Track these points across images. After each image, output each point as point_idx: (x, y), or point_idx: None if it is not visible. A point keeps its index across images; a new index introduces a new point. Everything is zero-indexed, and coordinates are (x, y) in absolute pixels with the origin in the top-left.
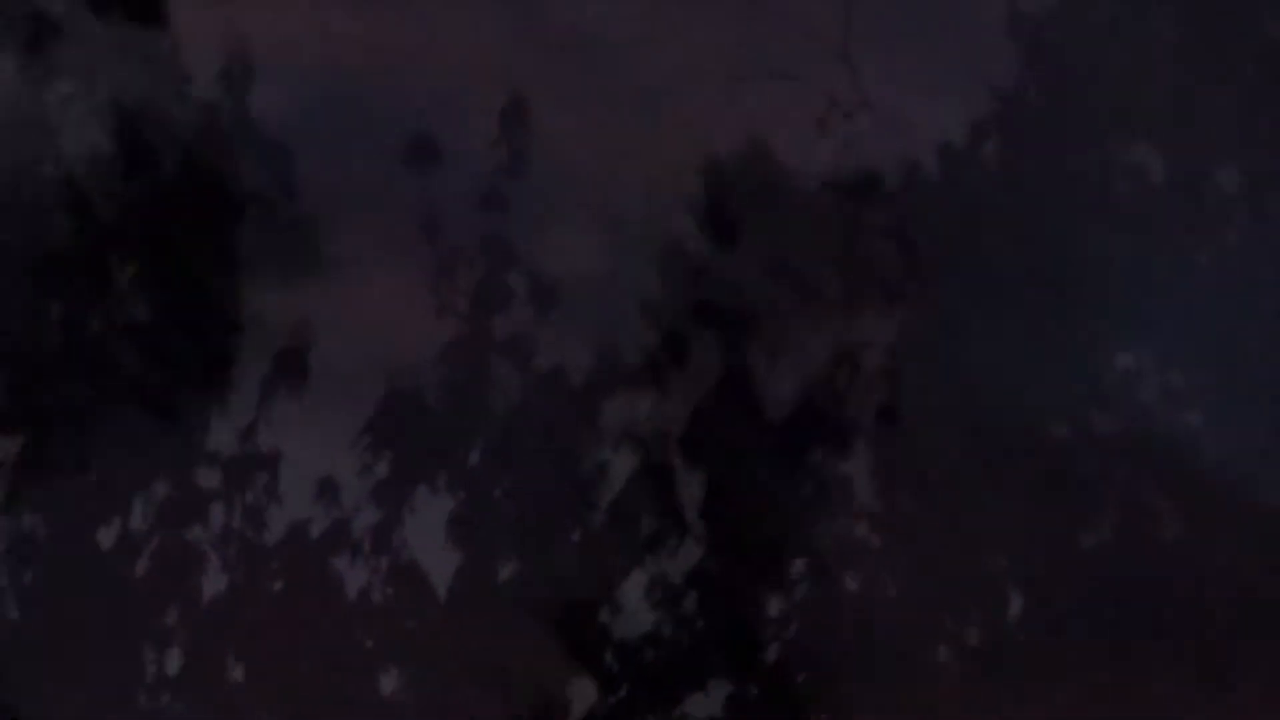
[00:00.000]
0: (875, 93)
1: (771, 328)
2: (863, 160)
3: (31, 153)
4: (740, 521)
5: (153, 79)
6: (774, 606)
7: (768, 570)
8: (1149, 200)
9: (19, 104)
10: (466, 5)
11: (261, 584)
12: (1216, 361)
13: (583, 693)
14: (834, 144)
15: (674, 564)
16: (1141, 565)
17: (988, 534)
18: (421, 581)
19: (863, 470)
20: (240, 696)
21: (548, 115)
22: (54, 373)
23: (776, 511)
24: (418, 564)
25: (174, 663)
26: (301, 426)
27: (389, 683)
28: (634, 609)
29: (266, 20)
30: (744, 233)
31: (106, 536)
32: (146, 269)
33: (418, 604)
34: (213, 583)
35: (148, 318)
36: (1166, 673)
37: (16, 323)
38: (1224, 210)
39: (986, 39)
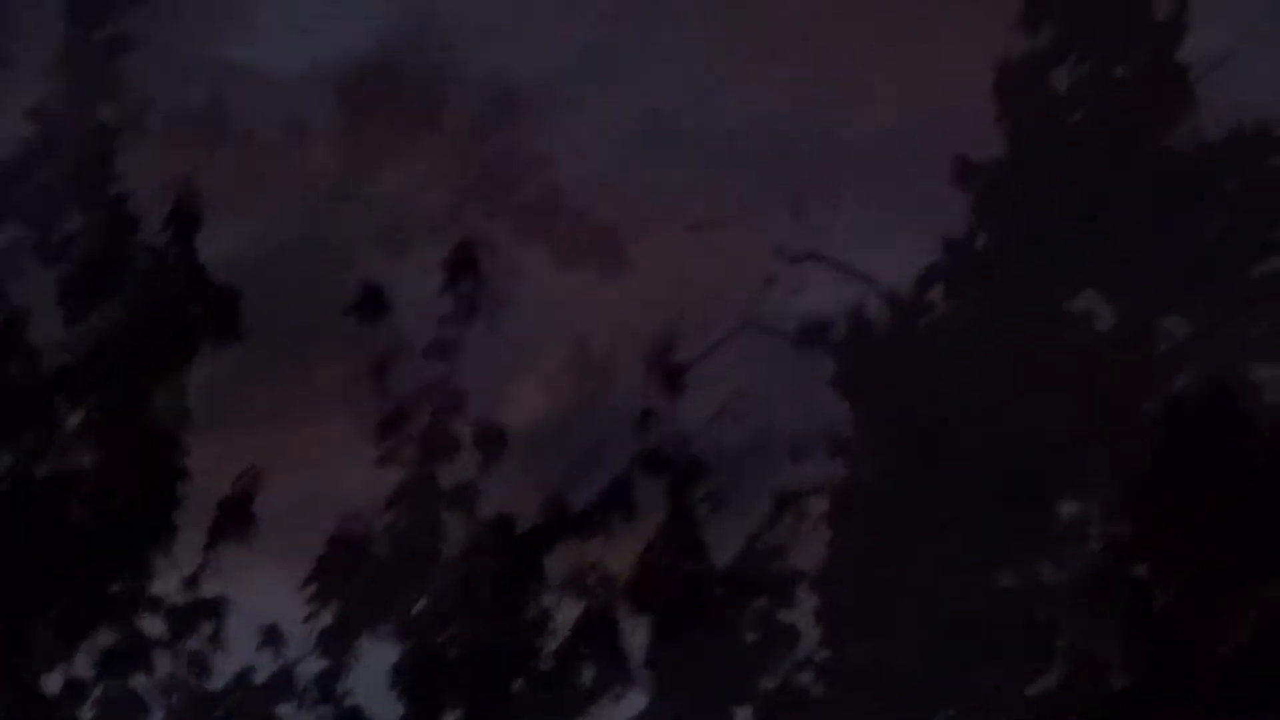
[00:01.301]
0: (824, 242)
1: (717, 476)
2: (811, 308)
3: None
4: (685, 670)
5: (103, 224)
6: None
7: (713, 719)
8: (1097, 347)
9: None
10: (421, 152)
11: None
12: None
13: None
14: (783, 292)
15: (619, 712)
16: (1088, 716)
17: (935, 683)
18: None
19: (808, 618)
20: None
21: (499, 263)
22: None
23: (722, 660)
24: (362, 712)
25: None
26: (247, 574)
27: None
28: None
29: (216, 166)
30: (691, 382)
31: (52, 683)
32: (94, 415)
33: None
34: None
35: (94, 464)
36: None
37: None
38: (1172, 358)
39: (936, 189)
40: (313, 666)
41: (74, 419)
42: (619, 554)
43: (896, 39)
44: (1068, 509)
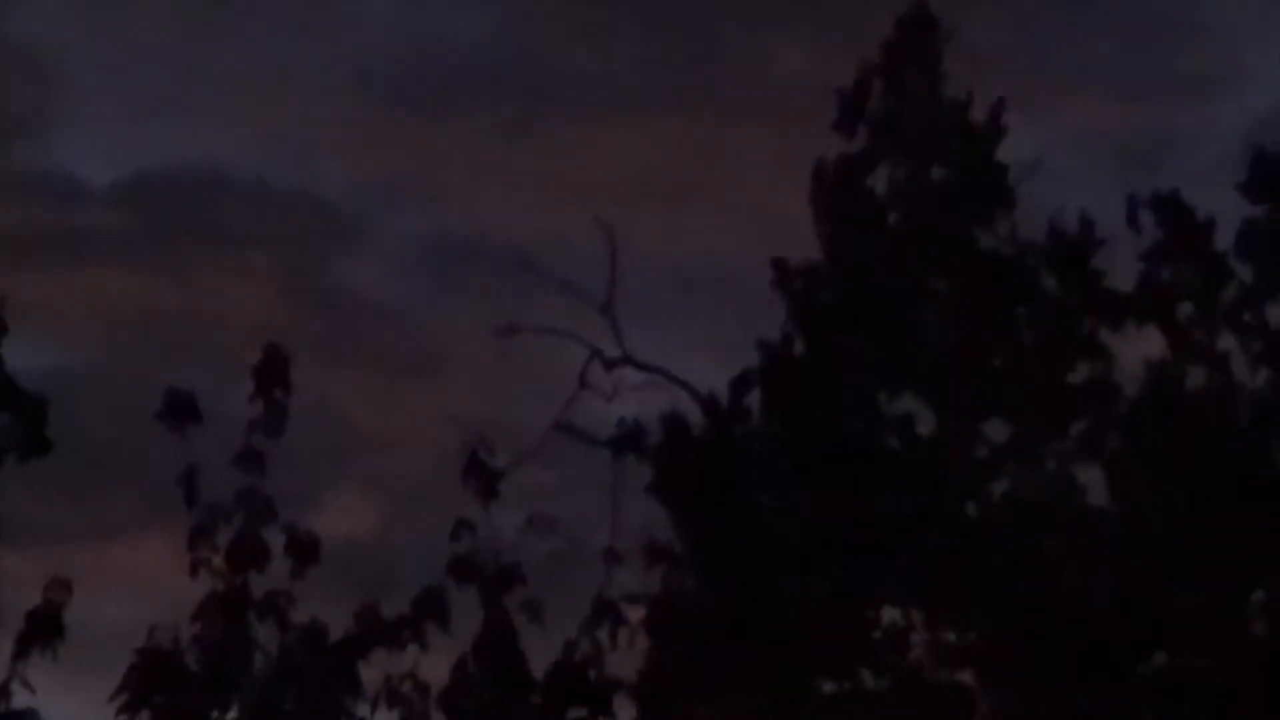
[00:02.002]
0: (638, 346)
1: (532, 584)
2: (626, 413)
3: None
4: None
5: None
6: None
7: None
8: (918, 451)
9: None
10: (236, 267)
11: None
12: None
13: None
14: (596, 396)
15: None
16: None
17: None
18: None
19: None
20: None
21: (309, 372)
22: None
23: None
24: None
25: None
26: (56, 685)
27: None
28: None
29: (25, 276)
30: (504, 489)
31: None
32: None
33: None
34: None
35: None
36: None
37: None
38: (993, 462)
39: (752, 294)
40: None
41: None
42: (433, 663)
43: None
44: (889, 614)
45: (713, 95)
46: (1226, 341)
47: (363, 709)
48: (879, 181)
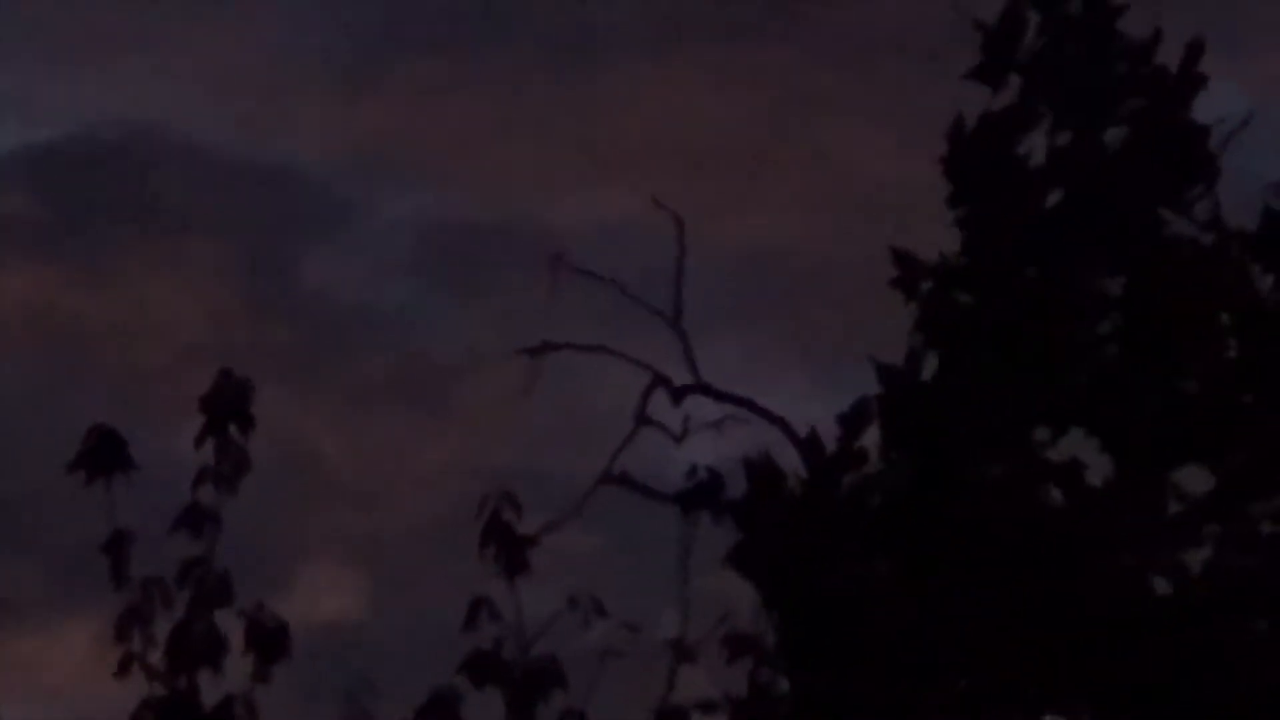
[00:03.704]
0: (713, 369)
1: (576, 686)
2: (698, 458)
3: None
4: None
5: None
6: None
7: None
8: (1089, 509)
9: None
10: (177, 264)
11: None
12: None
13: None
14: (660, 437)
15: None
16: None
17: None
18: None
19: None
20: None
21: (275, 403)
22: None
23: None
24: None
25: None
26: None
27: None
28: None
29: None
30: (536, 559)
31: None
32: None
33: None
34: None
35: None
36: None
37: None
38: (1188, 523)
39: (865, 297)
40: None
41: None
42: None
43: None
44: None
45: (799, 28)
46: None
47: None
48: (1035, 148)
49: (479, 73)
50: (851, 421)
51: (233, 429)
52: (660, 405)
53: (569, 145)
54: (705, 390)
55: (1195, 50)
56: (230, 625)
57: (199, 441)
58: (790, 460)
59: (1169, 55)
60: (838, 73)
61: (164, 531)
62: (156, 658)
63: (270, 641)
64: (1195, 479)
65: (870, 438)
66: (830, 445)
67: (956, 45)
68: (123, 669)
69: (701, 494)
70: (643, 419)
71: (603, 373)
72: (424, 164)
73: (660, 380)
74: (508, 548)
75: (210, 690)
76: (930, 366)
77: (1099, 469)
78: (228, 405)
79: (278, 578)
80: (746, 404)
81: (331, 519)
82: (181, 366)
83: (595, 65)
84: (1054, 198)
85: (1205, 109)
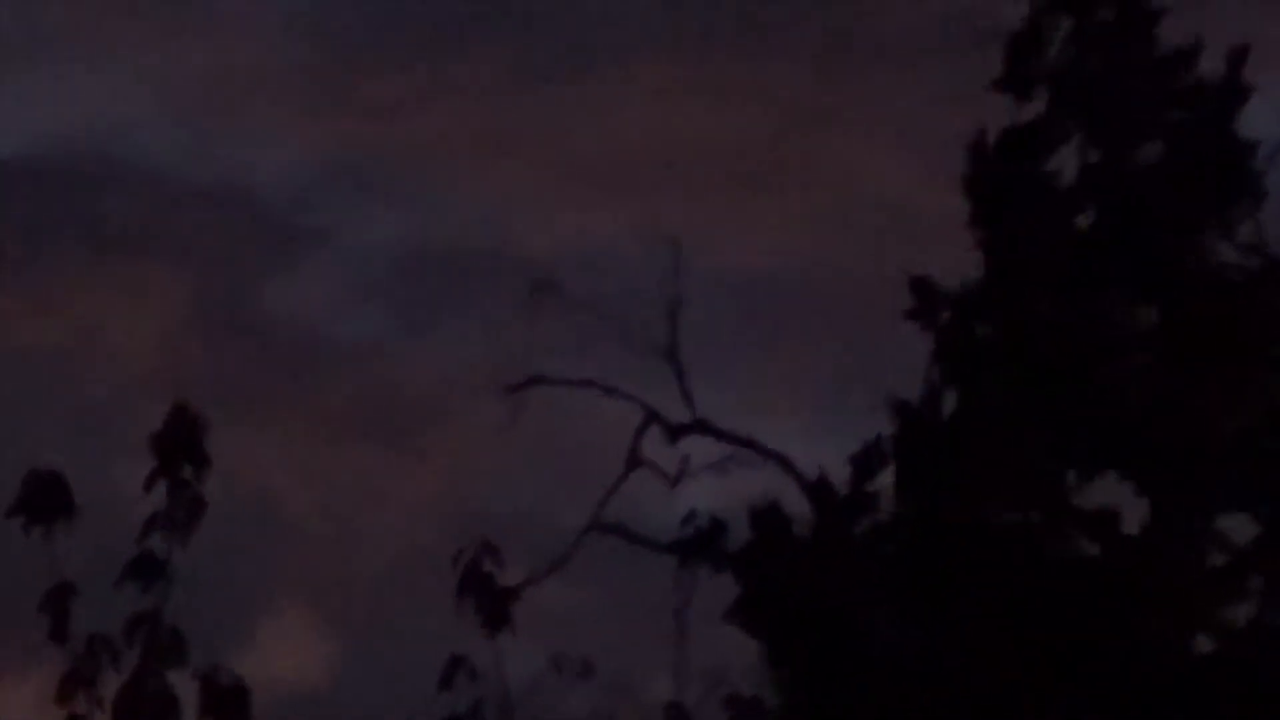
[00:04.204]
0: (711, 405)
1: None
2: (697, 504)
3: None
4: None
5: None
6: None
7: None
8: (1124, 560)
9: None
10: (128, 289)
11: None
12: None
13: None
14: (654, 479)
15: None
16: None
17: None
18: None
19: None
20: None
21: (233, 441)
22: None
23: None
24: None
25: None
26: None
27: None
28: None
29: None
30: (518, 614)
31: None
32: None
33: None
34: None
35: None
36: None
37: None
38: (1233, 574)
39: (877, 328)
40: None
41: None
42: None
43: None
44: None
45: (803, 38)
46: None
47: None
48: (1064, 164)
49: (455, 85)
50: (864, 463)
51: (187, 470)
52: (655, 445)
53: (554, 162)
54: (703, 428)
55: (1239, 58)
56: (184, 686)
57: (149, 484)
58: (797, 505)
59: (1211, 64)
60: (846, 84)
61: (111, 583)
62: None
63: (227, 704)
64: (1239, 527)
65: (884, 481)
66: (841, 489)
67: (978, 54)
68: None
69: (700, 542)
70: (635, 460)
71: (592, 409)
72: (395, 184)
73: (654, 417)
74: (488, 601)
75: None
76: (949, 403)
77: (1134, 516)
78: (181, 444)
79: (236, 633)
80: (749, 444)
81: (295, 568)
82: (133, 400)
83: (584, 76)
84: (1085, 219)
85: (1250, 123)
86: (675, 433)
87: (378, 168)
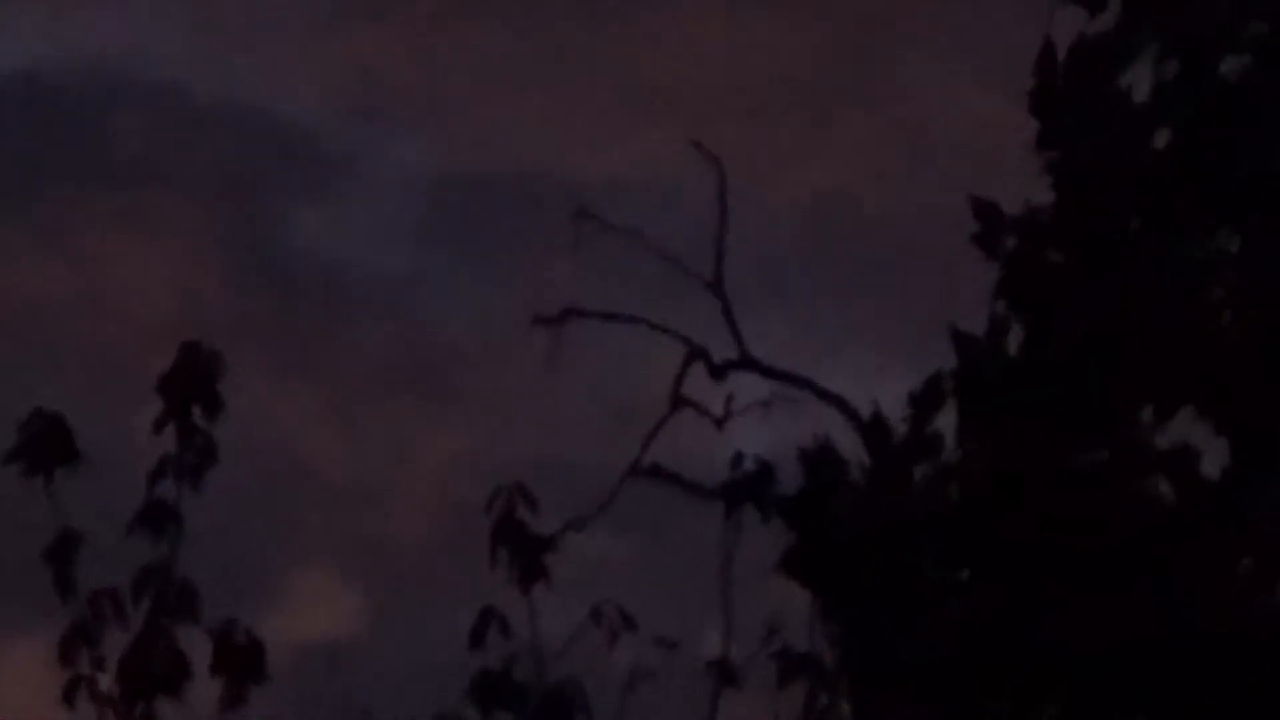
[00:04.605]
0: (760, 341)
1: (601, 713)
2: (745, 446)
3: None
4: None
5: None
6: None
7: None
8: (1204, 504)
9: None
10: (138, 224)
11: None
12: None
13: None
14: (699, 421)
15: None
16: None
17: None
18: None
19: None
20: None
21: (253, 385)
22: None
23: None
24: None
25: None
26: None
27: None
28: None
29: None
30: (555, 565)
31: None
32: None
33: None
34: None
35: None
36: None
37: None
38: None
39: (935, 254)
40: None
41: None
42: None
43: None
44: None
45: None
46: None
47: None
48: (1139, 80)
49: (491, 4)
50: (924, 401)
51: (197, 413)
52: (699, 383)
53: (597, 85)
54: (751, 365)
55: None
56: (195, 644)
57: (158, 426)
58: (852, 447)
59: None
60: None
61: (119, 533)
62: (107, 682)
63: (242, 664)
64: None
65: (946, 420)
66: (899, 430)
67: None
68: (68, 697)
69: (748, 487)
70: (679, 400)
71: (634, 347)
72: (429, 109)
73: (698, 353)
74: (522, 552)
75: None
76: (1016, 337)
77: (1214, 457)
78: (192, 384)
79: (257, 589)
80: (800, 381)
81: (323, 521)
82: (147, 345)
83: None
84: (1161, 139)
85: None
86: (720, 370)
87: (411, 89)
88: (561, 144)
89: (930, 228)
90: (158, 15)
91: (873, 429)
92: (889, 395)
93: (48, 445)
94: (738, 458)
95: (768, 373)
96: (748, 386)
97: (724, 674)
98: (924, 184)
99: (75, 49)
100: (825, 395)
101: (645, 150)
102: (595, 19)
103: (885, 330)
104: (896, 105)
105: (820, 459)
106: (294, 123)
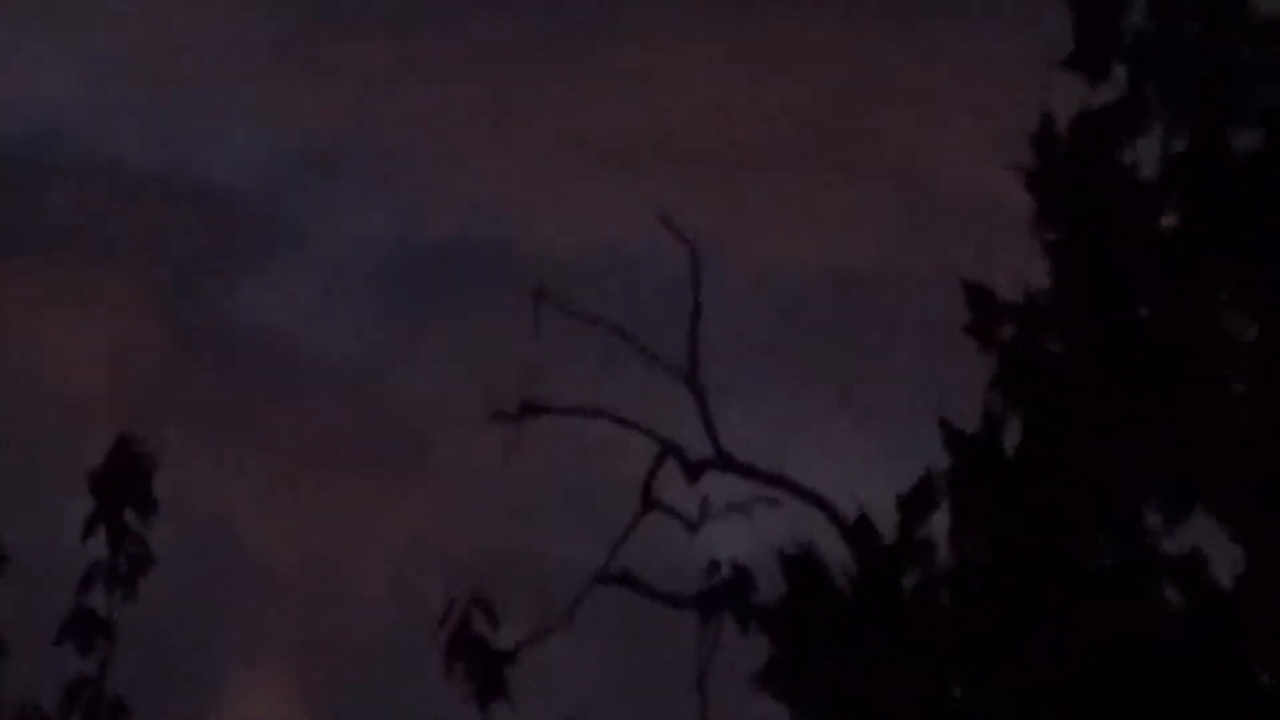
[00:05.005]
0: (737, 437)
1: None
2: (720, 551)
3: None
4: None
5: None
6: None
7: None
8: (1215, 611)
9: None
10: (69, 293)
11: None
12: None
13: None
14: (671, 523)
15: None
16: None
17: None
18: None
19: None
20: None
21: (191, 472)
22: None
23: None
24: None
25: None
26: None
27: None
28: None
29: None
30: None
31: None
32: None
33: None
34: None
35: None
36: None
37: None
38: None
39: (925, 341)
40: None
41: None
42: None
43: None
44: None
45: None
46: None
47: None
48: (1145, 155)
49: (449, 55)
50: (914, 503)
51: (129, 515)
52: (673, 482)
53: (563, 145)
54: (728, 464)
55: None
56: None
57: (87, 531)
58: (836, 552)
59: None
60: (897, 56)
61: (44, 645)
62: None
63: None
64: None
65: (938, 524)
66: (887, 533)
67: (1047, 24)
68: None
69: (725, 596)
70: (650, 502)
71: (604, 434)
72: (381, 172)
73: (671, 450)
74: (481, 665)
75: None
76: (1013, 432)
77: (1226, 562)
78: (124, 484)
79: (193, 700)
80: (780, 481)
81: (266, 616)
82: (79, 427)
83: (598, 44)
84: (1170, 218)
85: None
86: (695, 470)
87: (359, 153)
88: (526, 209)
89: (922, 304)
90: (90, 86)
91: (858, 532)
92: (879, 494)
93: None
94: (713, 565)
95: (745, 472)
96: (724, 485)
97: None
98: (913, 259)
99: (6, 121)
100: (807, 496)
101: (612, 215)
102: (559, 74)
103: (873, 422)
104: (884, 172)
105: (802, 565)
106: (234, 189)
